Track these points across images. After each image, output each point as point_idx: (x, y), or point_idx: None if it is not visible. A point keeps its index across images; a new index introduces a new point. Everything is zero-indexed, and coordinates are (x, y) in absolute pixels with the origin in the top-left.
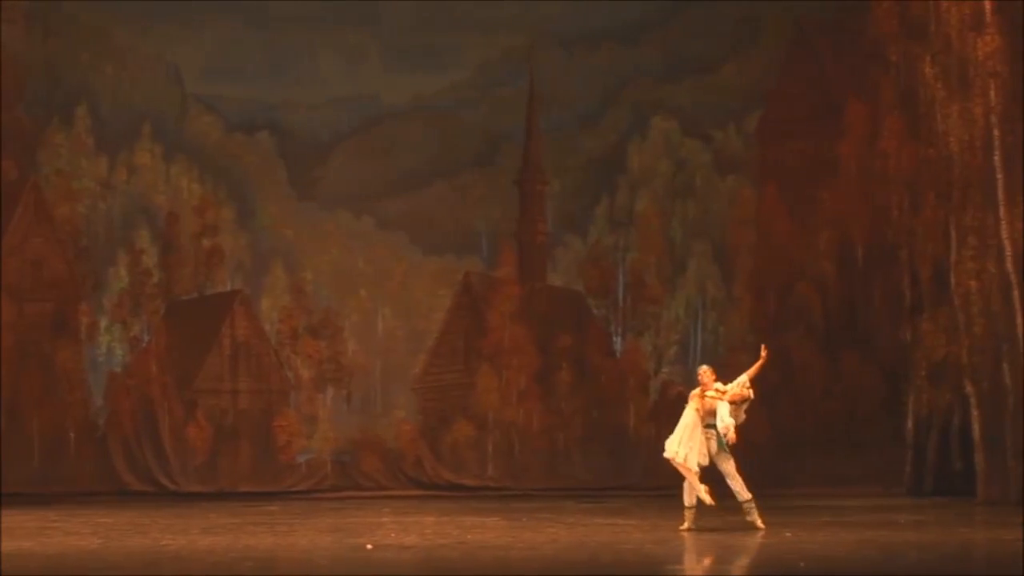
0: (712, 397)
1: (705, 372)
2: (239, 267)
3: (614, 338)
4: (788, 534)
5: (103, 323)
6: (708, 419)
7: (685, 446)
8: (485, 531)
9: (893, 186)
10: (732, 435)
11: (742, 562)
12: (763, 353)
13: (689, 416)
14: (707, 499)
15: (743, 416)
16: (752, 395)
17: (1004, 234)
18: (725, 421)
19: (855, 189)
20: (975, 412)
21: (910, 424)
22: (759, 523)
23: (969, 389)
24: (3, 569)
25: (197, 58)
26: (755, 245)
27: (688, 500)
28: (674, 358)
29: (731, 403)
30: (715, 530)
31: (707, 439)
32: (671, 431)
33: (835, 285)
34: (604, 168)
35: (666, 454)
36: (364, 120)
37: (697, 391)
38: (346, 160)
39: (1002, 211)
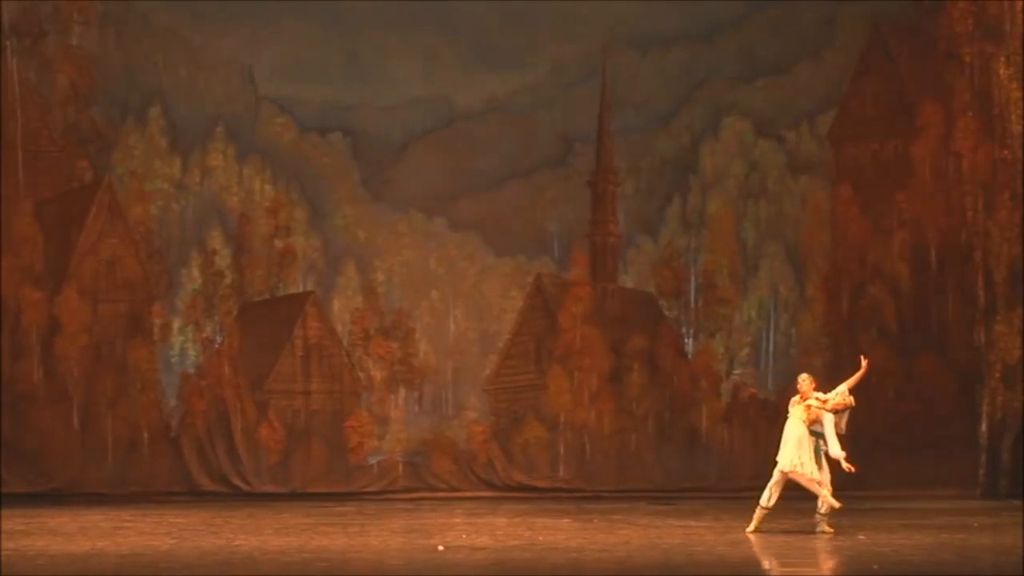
0: (818, 407)
1: (804, 380)
2: (311, 268)
3: (686, 340)
4: (862, 536)
5: (176, 324)
6: (814, 427)
7: (801, 456)
8: (557, 532)
9: (968, 187)
10: (845, 466)
11: (817, 564)
12: (863, 363)
13: (797, 427)
14: (836, 504)
15: (844, 427)
16: (853, 403)
17: None
18: (835, 452)
19: (929, 190)
20: None
21: (984, 426)
22: (828, 529)
23: None
24: (78, 568)
25: (270, 60)
26: (828, 246)
27: (765, 501)
28: (746, 360)
29: (833, 412)
30: (787, 532)
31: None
32: (743, 433)
33: (909, 286)
34: (677, 169)
35: (784, 468)
36: (437, 121)
37: (797, 399)
38: (419, 161)
39: None
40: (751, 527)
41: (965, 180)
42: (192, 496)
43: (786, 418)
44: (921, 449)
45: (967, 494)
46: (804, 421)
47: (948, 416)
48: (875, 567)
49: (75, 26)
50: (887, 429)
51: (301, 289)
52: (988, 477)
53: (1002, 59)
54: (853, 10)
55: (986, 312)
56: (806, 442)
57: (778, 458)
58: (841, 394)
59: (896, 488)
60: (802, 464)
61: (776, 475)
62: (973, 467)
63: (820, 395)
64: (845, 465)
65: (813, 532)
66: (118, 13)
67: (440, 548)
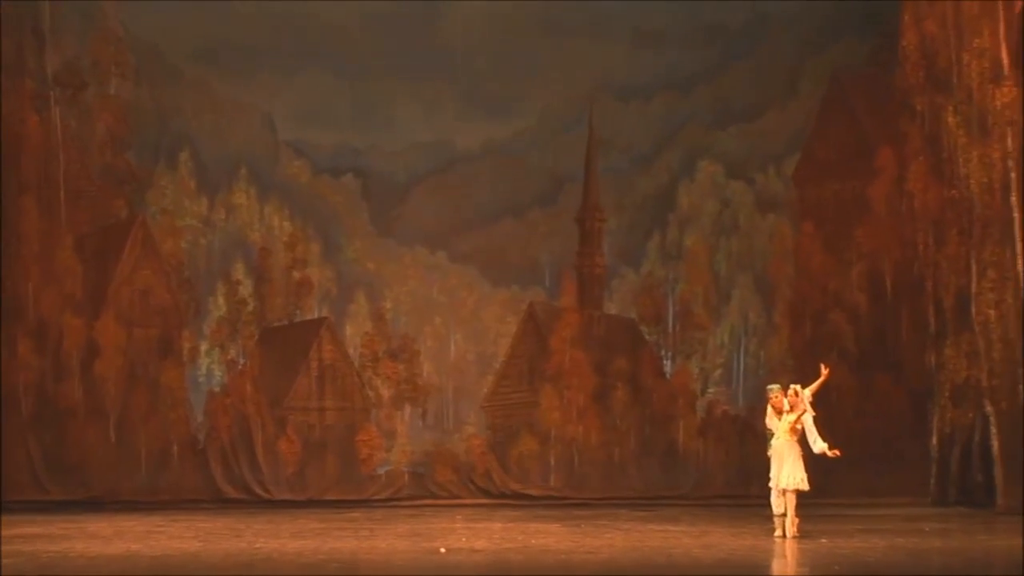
0: (799, 419)
1: (778, 393)
2: (326, 296)
3: (665, 361)
4: (824, 540)
5: (203, 347)
6: (796, 437)
7: (801, 472)
8: (548, 536)
9: (919, 224)
10: (835, 451)
11: (781, 566)
12: (824, 371)
13: (793, 446)
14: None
15: (810, 407)
16: (800, 388)
17: (1020, 267)
18: (820, 446)
19: (885, 226)
20: (994, 429)
21: (935, 441)
22: (788, 533)
23: (989, 408)
24: (114, 569)
25: (288, 107)
26: (793, 277)
27: (777, 508)
28: (719, 380)
29: (796, 409)
30: (755, 536)
31: None
32: (717, 446)
33: (866, 314)
34: (657, 206)
35: (789, 486)
36: (439, 163)
37: (772, 412)
38: (423, 200)
39: (1019, 247)
40: (778, 533)
41: (917, 217)
42: (217, 503)
43: (764, 432)
44: (877, 461)
45: (919, 502)
46: (796, 439)
47: (902, 431)
48: (836, 567)
49: (113, 78)
50: (846, 443)
51: (316, 315)
52: (938, 487)
53: (950, 108)
54: (816, 64)
55: (936, 337)
56: (800, 459)
57: (781, 477)
58: (790, 396)
59: (855, 496)
60: (803, 480)
61: (776, 492)
62: (924, 478)
63: (786, 404)
64: (831, 452)
65: (783, 536)
66: (151, 66)
67: (442, 550)
